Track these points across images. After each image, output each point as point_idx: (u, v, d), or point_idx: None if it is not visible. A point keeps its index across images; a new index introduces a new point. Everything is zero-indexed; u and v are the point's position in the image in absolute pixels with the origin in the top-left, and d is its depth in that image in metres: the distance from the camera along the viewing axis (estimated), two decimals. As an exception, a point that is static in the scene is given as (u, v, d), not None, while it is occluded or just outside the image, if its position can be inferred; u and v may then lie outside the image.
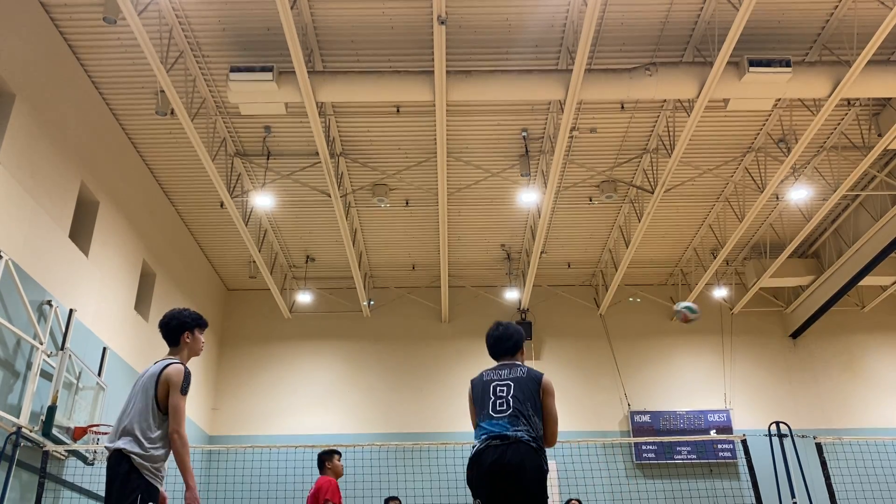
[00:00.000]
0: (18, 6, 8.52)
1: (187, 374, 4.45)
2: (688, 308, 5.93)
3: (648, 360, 16.16)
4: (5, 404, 8.18)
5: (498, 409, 4.28)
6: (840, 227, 14.27)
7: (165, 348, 4.70)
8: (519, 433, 4.16)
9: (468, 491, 4.38)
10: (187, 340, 4.63)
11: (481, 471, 4.16)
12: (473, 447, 4.31)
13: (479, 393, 4.42)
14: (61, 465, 9.55)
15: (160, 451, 4.33)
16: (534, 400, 4.30)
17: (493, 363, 4.61)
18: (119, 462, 4.25)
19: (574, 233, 14.66)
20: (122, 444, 4.28)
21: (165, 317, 4.67)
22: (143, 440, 4.28)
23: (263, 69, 9.24)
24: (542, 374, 4.40)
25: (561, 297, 16.55)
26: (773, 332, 16.43)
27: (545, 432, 4.31)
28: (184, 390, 4.38)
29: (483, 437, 4.25)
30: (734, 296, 16.15)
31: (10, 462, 8.11)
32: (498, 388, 4.35)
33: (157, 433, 4.33)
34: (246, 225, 12.53)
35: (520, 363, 4.55)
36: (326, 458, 7.65)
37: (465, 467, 4.34)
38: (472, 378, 4.62)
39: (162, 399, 4.37)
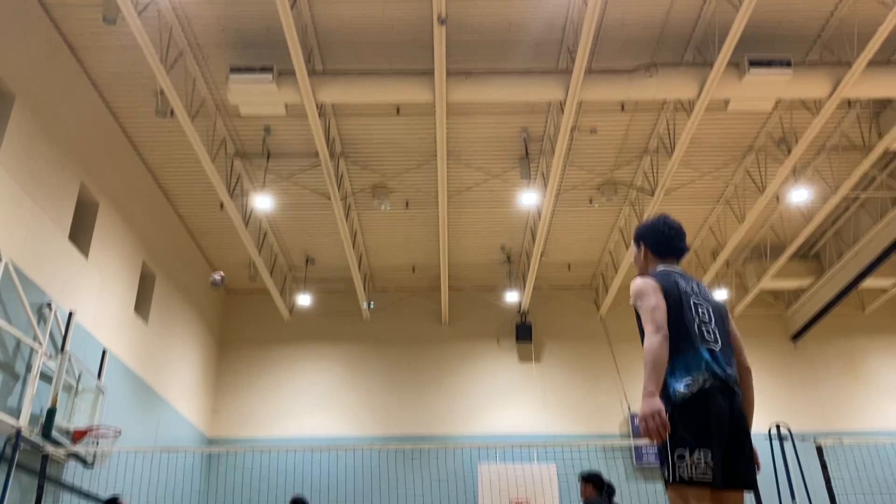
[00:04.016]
0: (18, 6, 8.51)
1: None
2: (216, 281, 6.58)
3: (649, 361, 16.11)
4: (5, 406, 8.15)
5: (706, 338, 3.43)
6: (841, 228, 14.26)
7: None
8: (736, 387, 3.39)
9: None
10: None
11: (721, 418, 3.23)
12: (683, 381, 3.29)
13: (675, 303, 3.46)
14: (61, 467, 9.51)
15: None
16: (727, 334, 3.58)
17: None
18: None
19: (574, 235, 14.65)
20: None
21: None
22: None
23: (263, 69, 9.24)
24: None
25: (561, 300, 16.53)
26: (774, 333, 16.41)
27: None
28: None
29: (704, 371, 3.31)
30: (734, 297, 16.12)
31: (10, 464, 8.07)
32: (699, 309, 3.51)
33: None
34: (246, 226, 12.51)
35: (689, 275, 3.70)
36: None
37: (680, 402, 3.26)
38: (653, 271, 3.66)
39: None
